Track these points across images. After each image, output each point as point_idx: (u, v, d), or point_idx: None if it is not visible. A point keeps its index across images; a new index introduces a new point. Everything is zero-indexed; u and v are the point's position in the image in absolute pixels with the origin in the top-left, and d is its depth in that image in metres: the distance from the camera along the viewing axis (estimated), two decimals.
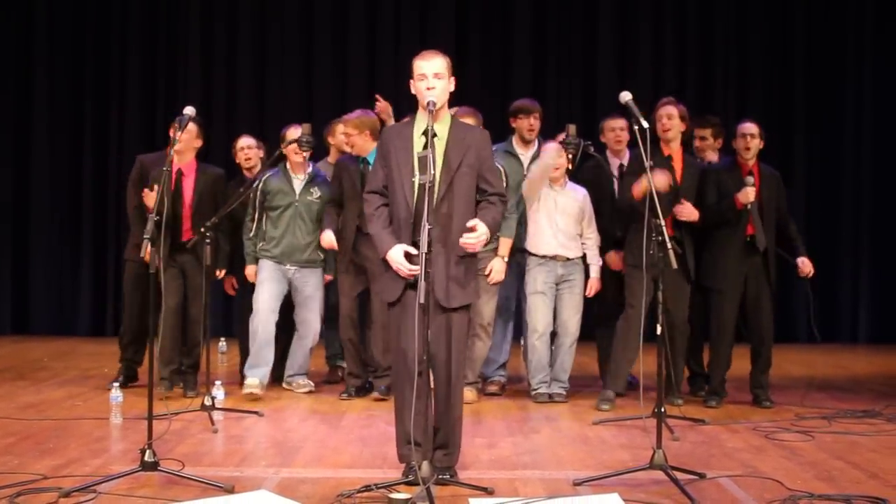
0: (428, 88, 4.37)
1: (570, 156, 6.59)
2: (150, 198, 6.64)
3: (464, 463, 4.70)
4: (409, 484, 4.26)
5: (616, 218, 6.74)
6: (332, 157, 7.42)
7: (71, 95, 10.85)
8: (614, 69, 10.61)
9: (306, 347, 7.00)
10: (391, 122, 6.82)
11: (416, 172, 4.33)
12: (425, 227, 4.11)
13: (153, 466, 4.40)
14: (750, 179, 6.38)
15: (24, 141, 10.87)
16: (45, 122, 10.85)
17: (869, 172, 10.70)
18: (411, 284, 4.33)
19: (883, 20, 10.73)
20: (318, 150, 7.43)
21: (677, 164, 6.41)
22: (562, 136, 6.69)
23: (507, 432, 5.71)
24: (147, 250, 4.49)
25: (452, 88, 4.50)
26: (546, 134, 7.24)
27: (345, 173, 6.75)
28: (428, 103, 4.33)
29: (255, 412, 6.17)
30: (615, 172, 7.03)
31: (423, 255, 4.09)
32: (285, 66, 10.85)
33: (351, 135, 6.63)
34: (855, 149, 10.74)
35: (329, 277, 7.11)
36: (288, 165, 6.91)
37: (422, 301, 4.06)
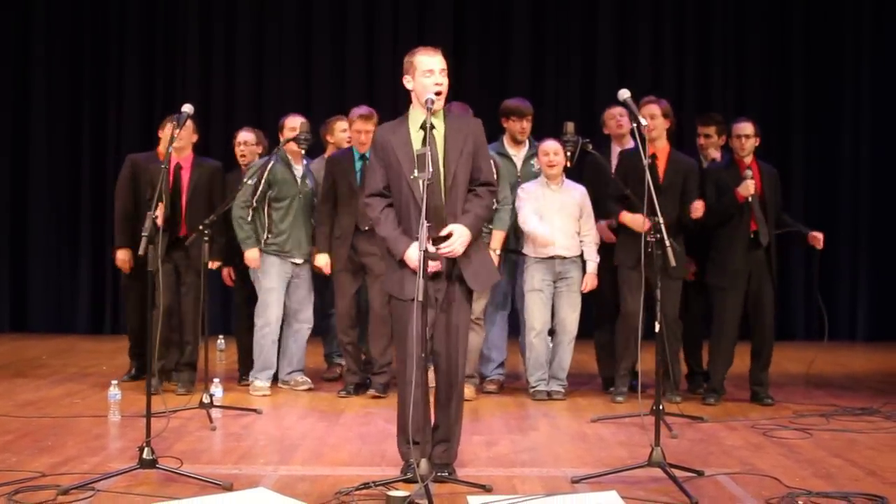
0: (437, 84, 4.36)
1: (569, 153, 6.58)
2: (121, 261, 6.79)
3: (462, 460, 4.70)
4: (407, 481, 4.27)
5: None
6: (329, 154, 7.41)
7: (69, 94, 10.82)
8: (613, 69, 10.60)
9: (302, 342, 6.99)
10: None
11: (415, 170, 4.32)
12: (423, 226, 4.10)
13: (151, 464, 4.40)
14: (749, 173, 6.40)
15: (22, 139, 10.85)
16: (44, 119, 10.82)
17: (867, 171, 10.69)
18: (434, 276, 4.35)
19: (881, 20, 10.72)
20: (316, 146, 7.43)
21: (661, 163, 6.47)
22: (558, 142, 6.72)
23: (505, 430, 5.71)
24: (144, 248, 4.48)
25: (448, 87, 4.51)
26: (544, 133, 7.23)
27: (338, 170, 6.73)
28: (427, 100, 4.32)
29: (254, 410, 6.17)
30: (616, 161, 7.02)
31: (422, 252, 4.09)
32: (284, 65, 10.84)
33: (368, 130, 6.60)
34: (853, 148, 10.73)
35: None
36: (289, 156, 6.87)
37: (420, 298, 4.06)
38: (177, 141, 6.57)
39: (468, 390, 6.49)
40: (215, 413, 5.94)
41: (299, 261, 6.90)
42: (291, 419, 6.03)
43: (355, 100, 7.06)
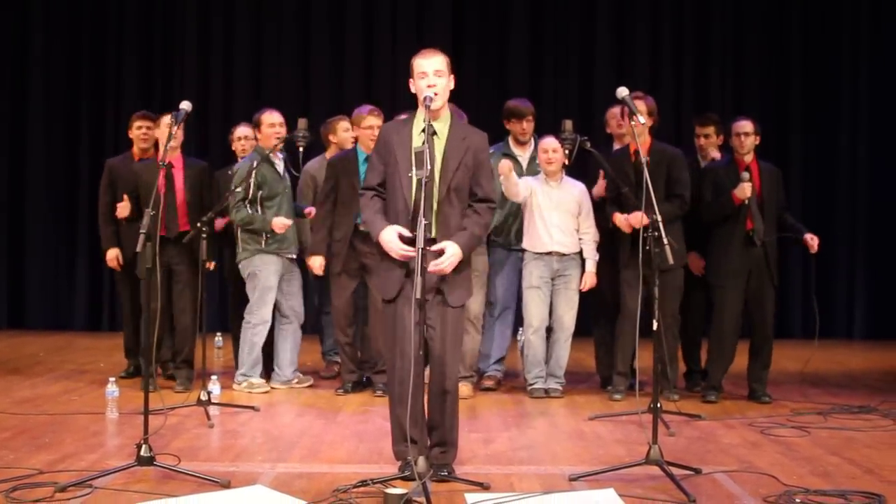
0: (429, 86, 4.37)
1: (567, 151, 6.59)
2: (124, 209, 6.69)
3: (460, 458, 4.70)
4: (405, 479, 4.27)
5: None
6: (330, 154, 7.40)
7: (67, 94, 10.81)
8: (611, 69, 10.58)
9: (298, 340, 6.99)
10: None
11: (413, 167, 4.32)
12: (422, 223, 4.11)
13: (149, 461, 4.40)
14: (746, 175, 6.40)
15: (20, 138, 10.84)
16: (42, 119, 10.81)
17: (865, 170, 10.69)
18: (409, 272, 4.33)
19: (879, 20, 10.72)
20: (315, 146, 7.42)
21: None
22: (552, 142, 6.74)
23: (503, 428, 5.72)
24: (142, 245, 4.47)
25: (452, 87, 4.50)
26: (543, 132, 7.23)
27: (342, 171, 6.72)
28: (425, 98, 4.33)
29: (252, 407, 6.16)
30: None
31: (420, 250, 4.09)
32: (282, 64, 10.83)
33: (381, 126, 6.58)
34: (851, 147, 10.73)
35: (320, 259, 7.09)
36: (268, 152, 6.80)
37: (418, 296, 4.06)
38: (173, 139, 6.61)
39: (466, 389, 6.51)
40: (213, 410, 5.94)
41: (294, 255, 6.91)
42: (289, 417, 6.03)
43: (354, 100, 7.05)
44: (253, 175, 6.65)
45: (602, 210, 6.73)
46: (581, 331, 6.93)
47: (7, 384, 7.02)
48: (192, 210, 6.73)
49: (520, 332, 7.71)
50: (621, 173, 6.33)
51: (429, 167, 4.19)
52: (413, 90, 4.50)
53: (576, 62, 10.84)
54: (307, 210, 6.99)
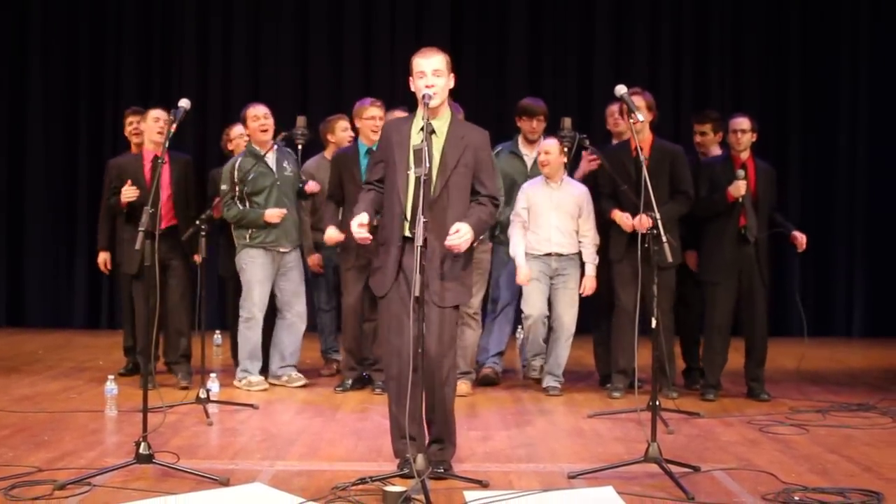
0: (427, 86, 4.37)
1: (566, 149, 6.59)
2: (129, 192, 6.65)
3: (459, 456, 4.70)
4: (404, 477, 4.27)
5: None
6: (329, 154, 7.39)
7: (66, 93, 10.80)
8: (610, 69, 10.57)
9: (298, 336, 6.97)
10: None
11: (412, 165, 4.32)
12: (420, 221, 4.11)
13: (148, 459, 4.39)
14: (741, 173, 6.40)
15: (19, 136, 10.83)
16: (41, 118, 10.80)
17: (863, 169, 10.69)
18: (400, 270, 4.36)
19: (878, 19, 10.71)
20: (315, 144, 7.42)
21: (645, 154, 6.40)
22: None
23: (501, 425, 5.72)
24: (140, 242, 4.47)
25: (452, 85, 4.50)
26: (543, 130, 7.24)
27: (344, 167, 6.71)
28: (423, 96, 4.33)
29: (251, 405, 6.17)
30: None
31: (419, 248, 4.09)
32: (280, 64, 10.81)
33: (382, 117, 6.58)
34: (850, 146, 10.72)
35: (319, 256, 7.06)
36: (260, 147, 6.79)
37: (417, 294, 4.06)
38: (158, 134, 6.62)
39: (464, 386, 6.51)
40: (212, 408, 5.94)
41: (284, 249, 6.86)
42: (288, 414, 6.03)
43: (352, 99, 7.02)
44: (235, 171, 6.68)
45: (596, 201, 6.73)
46: (580, 329, 6.93)
47: (6, 382, 7.02)
48: (177, 205, 6.75)
49: (518, 331, 7.73)
50: (621, 168, 6.32)
51: (427, 165, 4.19)
52: (412, 89, 4.49)
53: (575, 62, 10.83)
54: (308, 186, 6.94)
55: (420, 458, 4.08)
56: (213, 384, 6.32)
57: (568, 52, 10.85)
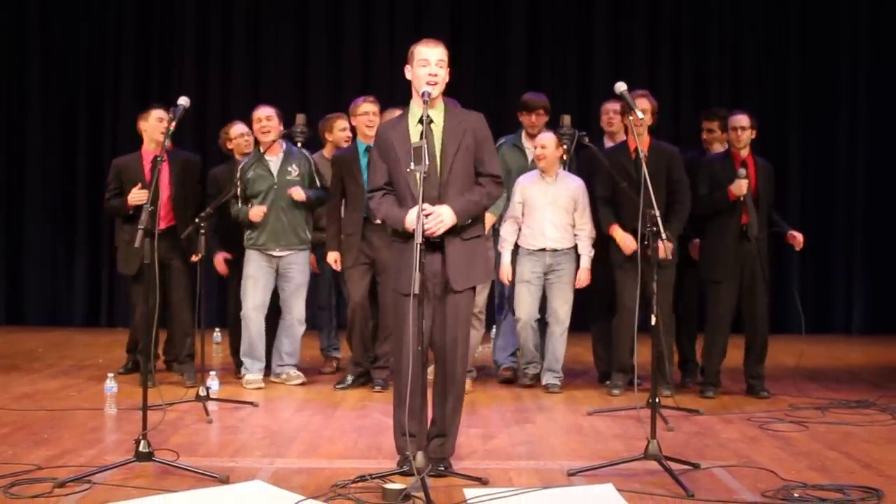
0: (430, 75, 4.36)
1: (566, 146, 6.59)
2: (137, 196, 6.63)
3: (459, 453, 4.70)
4: (403, 474, 4.27)
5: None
6: (327, 152, 7.39)
7: (65, 92, 10.81)
8: (609, 68, 10.56)
9: (296, 337, 6.98)
10: None
11: (412, 163, 4.31)
12: (420, 218, 4.11)
13: (148, 457, 4.39)
14: (742, 172, 6.40)
15: (18, 135, 10.83)
16: (40, 118, 10.82)
17: (863, 166, 10.70)
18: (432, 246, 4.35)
19: (878, 18, 10.72)
20: (315, 142, 7.42)
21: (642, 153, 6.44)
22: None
23: (501, 423, 5.72)
24: (140, 240, 4.47)
25: (448, 80, 4.49)
26: (542, 129, 7.24)
27: (345, 168, 6.71)
28: (423, 94, 4.32)
29: (250, 402, 6.17)
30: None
31: (418, 246, 4.09)
32: (280, 63, 10.83)
33: (377, 112, 6.63)
34: (849, 144, 10.73)
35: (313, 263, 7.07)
36: (262, 149, 6.82)
37: (416, 292, 4.06)
38: (160, 134, 6.63)
39: (465, 384, 6.50)
40: (212, 406, 5.95)
41: (276, 253, 6.85)
42: (288, 412, 6.04)
43: (352, 99, 7.03)
44: (238, 173, 6.75)
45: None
46: (579, 326, 6.94)
47: (6, 380, 7.02)
48: (177, 204, 6.74)
49: (493, 331, 7.78)
50: (620, 169, 6.33)
51: (427, 163, 4.18)
52: (408, 77, 4.48)
53: (574, 61, 10.84)
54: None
55: (420, 456, 4.08)
56: (213, 382, 6.33)
57: (567, 52, 10.85)
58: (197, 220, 6.19)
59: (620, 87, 4.90)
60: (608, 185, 6.49)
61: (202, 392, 5.96)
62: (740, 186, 6.38)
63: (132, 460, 4.39)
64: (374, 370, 6.76)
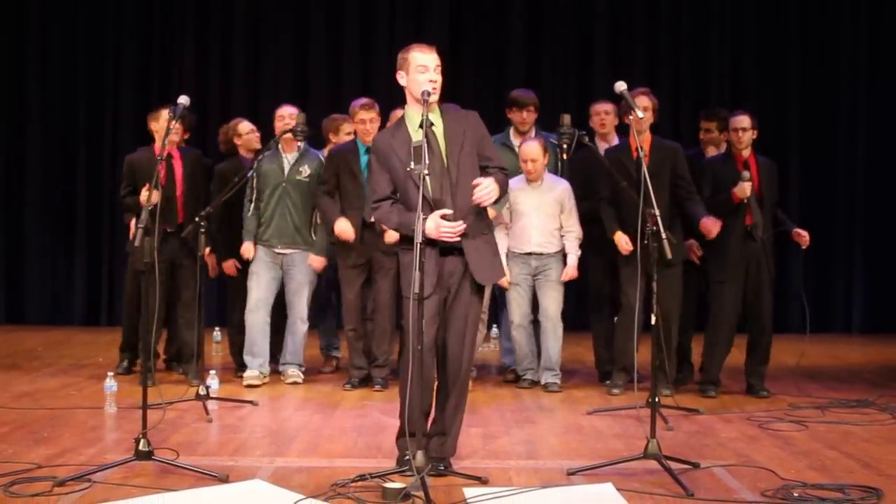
0: (431, 81, 4.36)
1: (565, 146, 6.58)
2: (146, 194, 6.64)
3: (458, 453, 4.69)
4: (403, 474, 4.27)
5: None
6: (328, 151, 7.39)
7: (65, 91, 10.81)
8: (609, 68, 10.56)
9: (298, 336, 6.98)
10: None
11: (412, 163, 4.29)
12: (419, 218, 4.11)
13: (147, 456, 4.39)
14: (746, 174, 6.39)
15: (18, 134, 10.83)
16: (40, 113, 10.82)
17: (862, 166, 10.70)
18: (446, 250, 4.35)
19: (877, 18, 10.71)
20: (316, 141, 7.41)
21: (646, 154, 6.42)
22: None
23: (501, 422, 5.72)
24: (140, 239, 4.47)
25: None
26: (541, 127, 7.23)
27: (342, 162, 6.71)
28: (423, 93, 4.32)
29: (250, 401, 6.17)
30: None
31: (419, 245, 4.09)
32: (280, 63, 10.83)
33: (373, 119, 6.63)
34: (849, 143, 10.74)
35: (320, 259, 7.04)
36: (280, 145, 6.88)
37: (416, 291, 4.05)
38: (173, 134, 6.65)
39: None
40: (211, 405, 5.95)
41: (281, 250, 6.87)
42: (287, 411, 6.04)
43: (351, 98, 7.04)
44: (255, 164, 6.79)
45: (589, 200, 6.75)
46: (579, 325, 6.94)
47: (6, 379, 7.02)
48: (189, 201, 6.77)
49: (494, 330, 7.80)
50: (621, 168, 6.31)
51: (427, 162, 4.18)
52: (402, 83, 4.47)
53: (574, 61, 10.84)
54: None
55: (420, 455, 4.08)
56: (213, 381, 6.33)
57: (567, 52, 10.85)
58: (197, 218, 6.19)
59: (620, 86, 4.89)
60: (608, 185, 6.49)
61: (202, 391, 5.96)
62: (744, 189, 6.36)
63: (132, 459, 4.39)
64: (374, 369, 6.77)
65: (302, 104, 9.97)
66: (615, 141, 7.13)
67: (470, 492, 4.13)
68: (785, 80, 10.74)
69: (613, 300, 6.89)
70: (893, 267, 10.60)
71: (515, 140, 7.07)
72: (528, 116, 7.04)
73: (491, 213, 6.45)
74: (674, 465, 4.41)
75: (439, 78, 4.40)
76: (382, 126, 6.54)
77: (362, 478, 4.23)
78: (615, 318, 6.87)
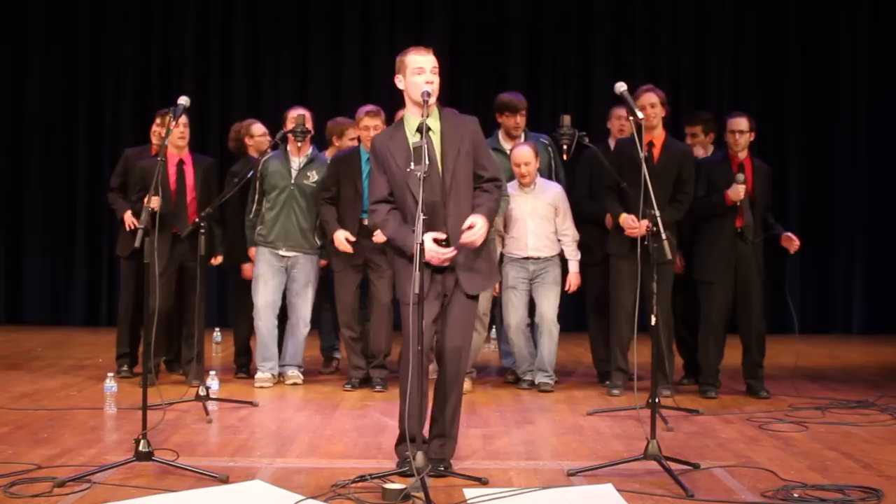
0: (427, 82, 4.36)
1: (565, 147, 6.58)
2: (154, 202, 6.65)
3: (458, 454, 4.70)
4: (403, 474, 4.27)
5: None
6: (330, 154, 7.38)
7: (65, 92, 10.82)
8: (609, 68, 10.56)
9: (299, 338, 6.99)
10: None
11: (412, 163, 4.30)
12: (419, 218, 4.11)
13: (147, 456, 4.39)
14: (741, 177, 6.38)
15: (18, 134, 10.85)
16: (40, 114, 10.83)
17: (862, 166, 10.72)
18: (434, 271, 4.36)
19: (877, 18, 10.72)
20: (318, 141, 7.41)
21: (656, 150, 6.42)
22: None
23: (501, 423, 5.72)
24: (141, 240, 4.47)
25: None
26: (541, 127, 7.23)
27: (344, 170, 6.72)
28: (423, 93, 4.32)
29: (250, 402, 6.17)
30: None
31: (419, 246, 4.09)
32: (280, 65, 10.84)
33: (377, 126, 6.59)
34: (849, 143, 10.75)
35: (324, 262, 7.05)
36: (288, 148, 6.90)
37: (416, 292, 4.06)
38: (179, 139, 6.68)
39: (465, 384, 6.49)
40: (211, 406, 5.95)
41: (285, 253, 6.88)
42: (288, 412, 6.04)
43: (351, 100, 7.06)
44: (259, 166, 6.82)
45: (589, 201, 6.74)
46: (577, 326, 6.94)
47: (6, 379, 7.02)
48: (200, 207, 6.76)
49: (493, 332, 7.79)
50: (630, 162, 6.20)
51: (427, 162, 4.18)
52: (400, 86, 4.48)
53: (574, 61, 10.85)
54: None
55: (420, 456, 4.08)
56: (213, 381, 6.33)
57: (567, 52, 10.85)
58: (197, 219, 6.20)
59: (620, 87, 4.88)
60: (610, 181, 6.47)
61: (202, 392, 5.96)
62: (738, 192, 6.36)
63: (132, 460, 4.39)
64: (373, 370, 6.77)
65: (301, 105, 10.02)
66: None
67: (470, 492, 4.13)
68: (785, 80, 10.75)
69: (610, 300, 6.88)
70: (893, 268, 10.61)
71: (505, 144, 7.06)
72: (521, 121, 7.03)
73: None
74: (674, 466, 4.41)
75: (436, 79, 4.40)
76: None
77: (362, 478, 4.22)
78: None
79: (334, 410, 6.05)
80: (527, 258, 6.74)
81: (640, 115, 4.81)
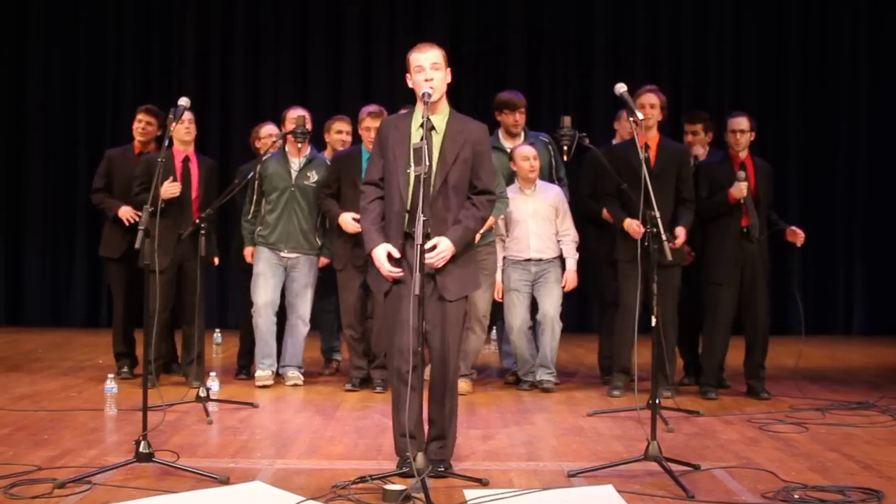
0: (426, 80, 4.36)
1: (566, 147, 6.58)
2: (169, 189, 6.63)
3: (458, 455, 4.70)
4: (403, 475, 4.27)
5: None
6: (328, 154, 7.39)
7: (66, 92, 10.82)
8: (609, 67, 10.57)
9: (298, 338, 6.99)
10: None
11: (412, 164, 4.31)
12: (420, 219, 4.11)
13: (148, 458, 4.39)
14: (742, 175, 6.39)
15: (18, 135, 10.85)
16: (40, 117, 10.84)
17: (863, 166, 10.73)
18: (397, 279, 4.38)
19: (878, 17, 10.72)
20: (318, 141, 7.42)
21: (651, 152, 6.41)
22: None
23: (501, 424, 5.72)
24: (141, 241, 4.46)
25: (449, 80, 4.48)
26: (540, 128, 7.23)
27: (344, 169, 6.73)
28: (423, 94, 4.32)
29: (251, 403, 6.17)
30: None
31: (419, 246, 4.09)
32: (281, 64, 10.85)
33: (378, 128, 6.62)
34: (850, 143, 10.76)
35: (326, 260, 7.04)
36: (287, 148, 6.90)
37: (417, 293, 4.05)
38: (186, 134, 6.68)
39: (465, 385, 6.52)
40: (212, 407, 5.94)
41: (287, 254, 6.88)
42: (288, 413, 6.04)
43: (351, 100, 7.06)
44: (258, 168, 6.81)
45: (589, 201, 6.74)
46: (578, 326, 6.94)
47: (6, 381, 7.02)
48: (202, 208, 6.78)
49: (493, 333, 7.79)
50: (628, 166, 6.24)
51: (427, 164, 4.18)
52: (410, 85, 4.49)
53: (574, 61, 10.85)
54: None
55: (420, 457, 4.08)
56: (213, 383, 6.32)
57: (567, 52, 10.86)
58: (197, 220, 6.19)
59: (620, 88, 4.88)
60: (612, 183, 6.47)
61: (202, 393, 5.95)
62: (740, 189, 6.37)
63: (132, 461, 4.39)
64: (373, 370, 6.77)
65: (301, 105, 10.02)
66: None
67: (470, 493, 4.13)
68: (786, 80, 10.76)
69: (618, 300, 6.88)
70: (893, 268, 10.61)
71: (505, 142, 7.06)
72: (520, 118, 7.04)
73: (489, 221, 6.48)
74: (674, 467, 4.41)
75: (436, 74, 4.38)
76: None
77: (363, 479, 4.22)
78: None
79: (335, 411, 6.05)
80: (529, 260, 6.75)
81: (640, 115, 4.81)
